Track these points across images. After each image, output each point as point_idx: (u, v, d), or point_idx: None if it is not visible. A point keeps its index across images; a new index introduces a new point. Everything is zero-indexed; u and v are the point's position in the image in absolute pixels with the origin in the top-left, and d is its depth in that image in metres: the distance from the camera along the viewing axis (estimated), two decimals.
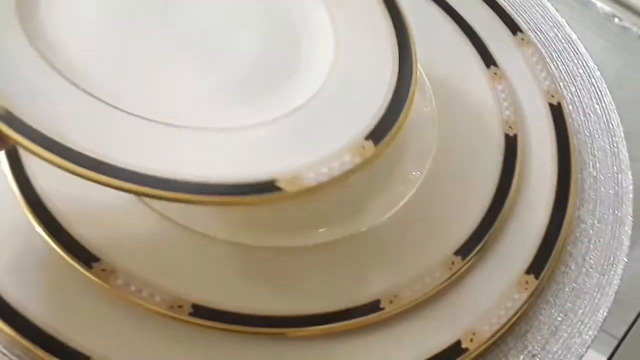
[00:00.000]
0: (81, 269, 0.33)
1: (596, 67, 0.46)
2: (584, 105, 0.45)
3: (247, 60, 0.35)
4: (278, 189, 0.29)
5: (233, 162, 0.30)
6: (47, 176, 0.35)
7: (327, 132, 0.32)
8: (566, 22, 0.48)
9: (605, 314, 0.38)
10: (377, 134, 0.32)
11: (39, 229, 0.34)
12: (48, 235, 0.34)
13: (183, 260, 0.35)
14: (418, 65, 0.35)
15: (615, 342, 0.50)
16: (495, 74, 0.43)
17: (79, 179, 0.28)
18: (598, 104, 0.45)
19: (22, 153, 0.36)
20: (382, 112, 0.33)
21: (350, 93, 0.34)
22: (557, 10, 0.49)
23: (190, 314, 0.33)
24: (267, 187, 0.29)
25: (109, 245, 0.34)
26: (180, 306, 0.33)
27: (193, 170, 0.29)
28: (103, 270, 0.33)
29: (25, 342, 0.32)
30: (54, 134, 0.28)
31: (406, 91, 0.34)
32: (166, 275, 0.34)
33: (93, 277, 0.33)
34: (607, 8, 0.55)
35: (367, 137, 0.32)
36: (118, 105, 0.30)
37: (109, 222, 0.35)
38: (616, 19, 0.55)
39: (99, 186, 0.28)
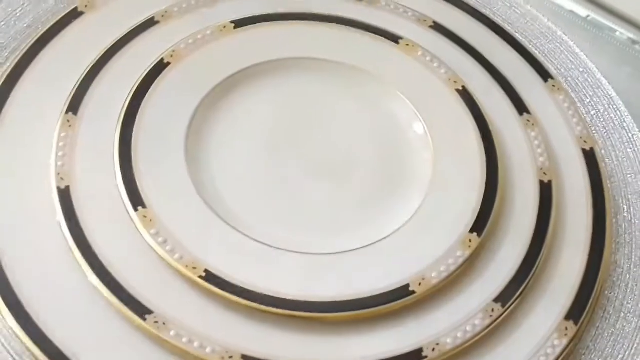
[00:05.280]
0: (135, 321, 0.34)
1: (627, 111, 0.47)
2: (617, 150, 0.46)
3: (362, 188, 0.42)
4: (412, 292, 0.36)
5: (370, 276, 0.37)
6: (102, 230, 0.37)
7: (437, 235, 0.39)
8: (594, 66, 0.49)
9: None
10: (479, 226, 0.39)
11: (92, 279, 0.35)
12: (103, 287, 0.35)
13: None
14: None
15: None
16: (528, 121, 0.44)
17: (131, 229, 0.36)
18: (630, 148, 0.46)
19: (79, 210, 0.37)
20: (478, 207, 0.40)
21: (449, 199, 0.40)
22: (578, 47, 0.49)
23: None
24: (403, 292, 0.36)
25: (161, 298, 0.35)
26: (230, 357, 0.34)
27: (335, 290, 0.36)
28: (156, 322, 0.34)
29: None
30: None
31: (494, 189, 0.40)
32: (217, 326, 0.35)
33: (147, 328, 0.34)
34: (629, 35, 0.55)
35: (472, 231, 0.39)
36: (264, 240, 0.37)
37: (161, 276, 0.36)
38: (637, 46, 0.55)
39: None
